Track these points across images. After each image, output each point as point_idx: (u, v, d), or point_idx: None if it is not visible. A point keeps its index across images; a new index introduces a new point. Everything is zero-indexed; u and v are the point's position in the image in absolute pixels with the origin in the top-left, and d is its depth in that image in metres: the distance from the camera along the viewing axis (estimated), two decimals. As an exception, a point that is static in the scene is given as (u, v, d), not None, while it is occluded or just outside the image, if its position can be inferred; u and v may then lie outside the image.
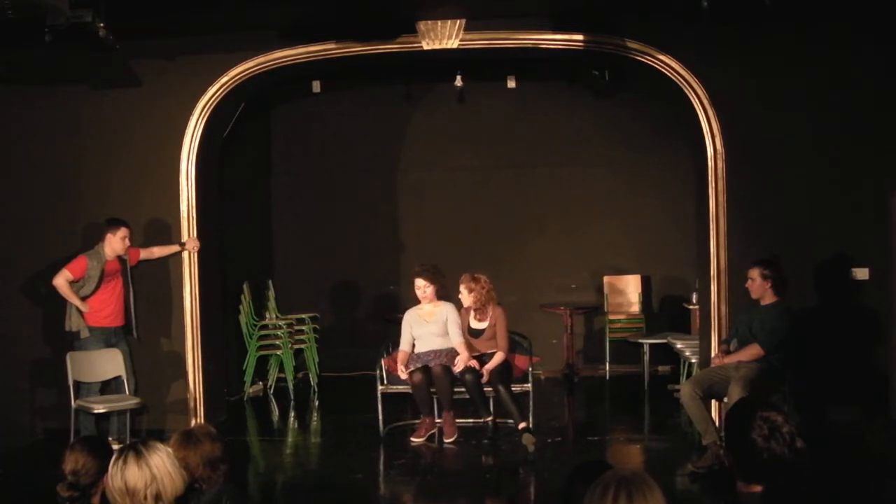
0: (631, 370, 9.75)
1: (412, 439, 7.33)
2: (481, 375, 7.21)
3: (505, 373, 7.31)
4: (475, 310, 7.49)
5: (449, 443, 7.27)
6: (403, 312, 7.77)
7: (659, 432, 7.92)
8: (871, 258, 6.96)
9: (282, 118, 10.45)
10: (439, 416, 7.50)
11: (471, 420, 7.55)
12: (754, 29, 6.96)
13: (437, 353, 7.36)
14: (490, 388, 7.26)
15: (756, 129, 7.20)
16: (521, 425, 7.10)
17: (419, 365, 7.31)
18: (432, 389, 7.32)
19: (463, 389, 7.30)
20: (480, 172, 10.24)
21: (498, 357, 7.32)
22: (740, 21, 6.74)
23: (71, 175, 7.76)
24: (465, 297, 7.46)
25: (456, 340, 7.37)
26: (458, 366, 7.21)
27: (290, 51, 7.47)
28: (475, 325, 7.53)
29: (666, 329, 9.61)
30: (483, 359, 7.36)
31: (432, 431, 7.42)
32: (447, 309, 7.49)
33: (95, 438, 4.16)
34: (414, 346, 7.53)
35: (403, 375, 7.34)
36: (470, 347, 7.45)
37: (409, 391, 7.43)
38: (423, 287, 7.48)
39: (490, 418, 7.39)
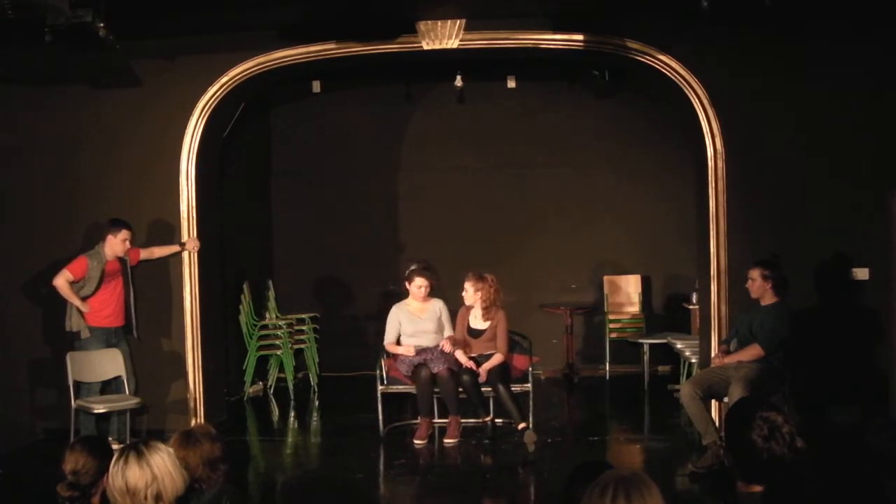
0: (631, 370, 9.75)
1: (415, 441, 7.31)
2: (478, 376, 7.21)
3: (504, 373, 7.30)
4: (482, 309, 7.44)
5: (449, 443, 7.26)
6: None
7: (659, 432, 7.92)
8: (871, 258, 6.95)
9: (282, 118, 10.45)
10: (441, 417, 7.50)
11: (471, 420, 7.55)
12: (754, 29, 6.96)
13: (436, 353, 7.36)
14: (489, 388, 7.26)
15: (756, 129, 7.19)
16: (521, 426, 7.10)
17: (422, 363, 7.29)
18: (435, 390, 7.32)
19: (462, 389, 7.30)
20: (480, 172, 10.24)
21: (496, 358, 7.31)
22: (740, 21, 6.74)
23: (71, 175, 7.76)
24: (470, 296, 7.41)
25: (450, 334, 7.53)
26: (446, 346, 7.29)
27: (290, 51, 7.47)
28: (477, 324, 7.50)
29: (666, 329, 9.61)
30: (479, 359, 7.36)
31: (430, 431, 7.42)
32: (439, 305, 7.62)
33: (95, 438, 4.16)
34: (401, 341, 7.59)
35: (404, 369, 7.35)
36: (468, 348, 7.44)
37: (409, 391, 7.44)
38: (425, 286, 7.54)
39: (489, 418, 7.40)
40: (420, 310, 7.60)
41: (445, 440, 7.30)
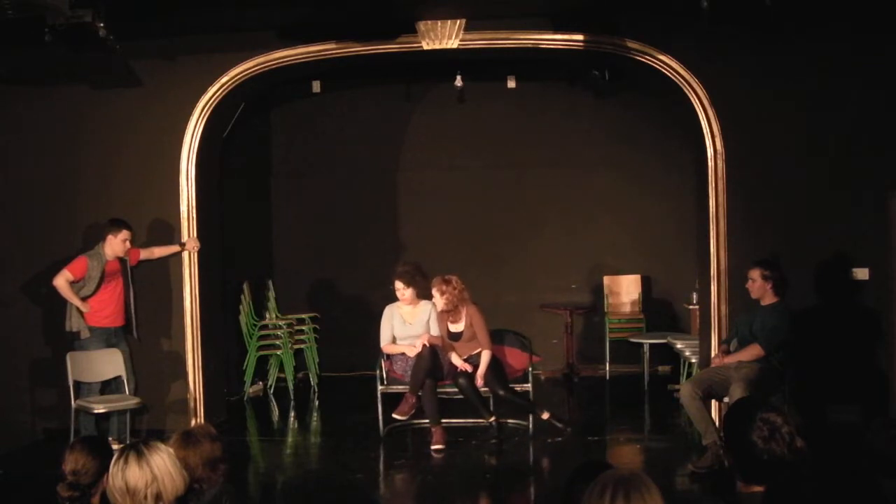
0: (631, 370, 9.75)
1: (395, 416, 7.19)
2: (474, 378, 7.18)
3: (499, 374, 7.28)
4: (448, 312, 7.39)
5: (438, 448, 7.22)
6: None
7: (659, 432, 7.92)
8: (871, 258, 6.96)
9: (282, 118, 10.45)
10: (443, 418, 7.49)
11: (472, 420, 7.53)
12: (754, 29, 6.96)
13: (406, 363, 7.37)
14: (486, 388, 7.24)
15: (756, 129, 7.19)
16: (545, 415, 7.12)
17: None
18: (439, 391, 7.30)
19: (454, 390, 7.27)
20: (480, 172, 10.24)
21: (485, 356, 7.25)
22: (740, 21, 6.74)
23: (71, 175, 7.76)
24: (438, 300, 7.36)
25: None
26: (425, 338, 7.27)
27: (290, 51, 7.47)
28: (452, 328, 7.46)
29: (666, 329, 9.61)
30: (472, 360, 7.32)
31: (412, 412, 7.28)
32: (427, 308, 7.48)
33: (95, 438, 4.17)
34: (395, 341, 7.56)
35: (399, 368, 7.33)
36: (454, 351, 7.38)
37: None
38: (401, 290, 7.43)
39: (493, 419, 7.30)
40: (410, 314, 7.50)
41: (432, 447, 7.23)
